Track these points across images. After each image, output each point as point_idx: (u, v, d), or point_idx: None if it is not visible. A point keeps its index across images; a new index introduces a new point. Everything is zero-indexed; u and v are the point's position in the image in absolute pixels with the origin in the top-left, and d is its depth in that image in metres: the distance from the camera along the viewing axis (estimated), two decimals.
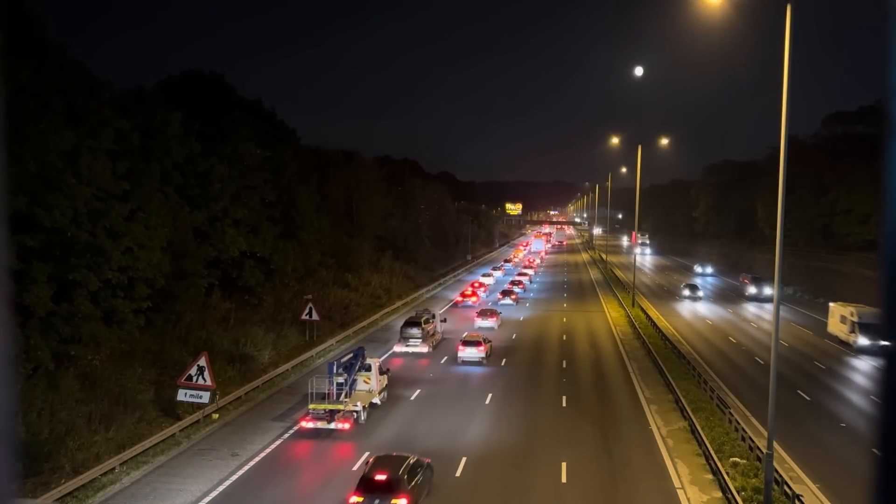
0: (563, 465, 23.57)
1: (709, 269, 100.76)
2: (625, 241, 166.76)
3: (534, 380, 36.35)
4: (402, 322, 45.54)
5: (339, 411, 27.00)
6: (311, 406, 27.37)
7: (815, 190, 72.92)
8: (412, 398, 32.40)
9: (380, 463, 20.31)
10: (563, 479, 22.46)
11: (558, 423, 28.73)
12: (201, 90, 49.63)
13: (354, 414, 27.74)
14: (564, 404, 31.53)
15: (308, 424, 26.90)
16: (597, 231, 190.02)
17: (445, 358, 40.92)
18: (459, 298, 65.60)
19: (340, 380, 27.97)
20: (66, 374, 25.81)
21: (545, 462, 23.98)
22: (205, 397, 27.42)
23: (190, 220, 36.45)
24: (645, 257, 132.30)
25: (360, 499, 19.16)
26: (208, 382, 27.35)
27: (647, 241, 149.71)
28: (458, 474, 22.84)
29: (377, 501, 19.00)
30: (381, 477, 19.45)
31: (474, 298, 64.66)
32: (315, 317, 42.02)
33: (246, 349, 35.97)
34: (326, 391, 27.55)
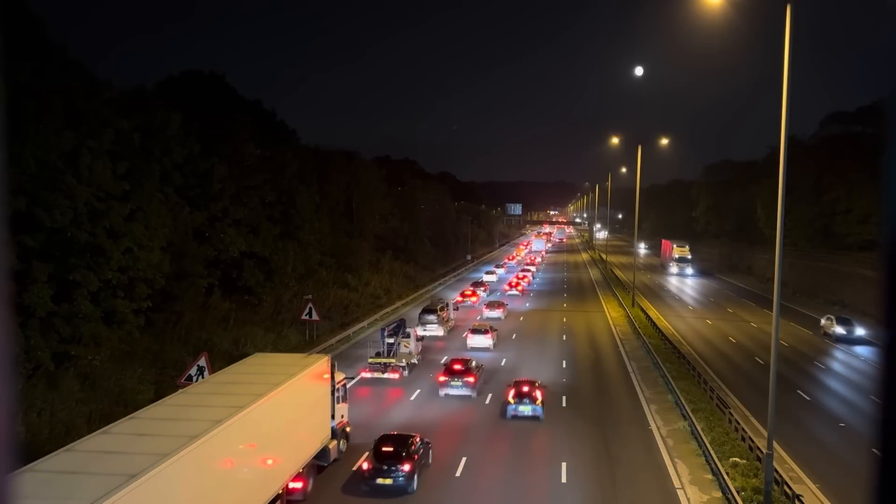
0: (563, 465, 23.56)
1: (859, 331, 46.02)
2: (642, 249, 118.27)
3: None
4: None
5: (390, 364, 35.01)
6: (369, 360, 35.56)
7: (815, 190, 72.88)
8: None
9: (454, 360, 32.97)
10: (563, 480, 22.46)
11: (558, 422, 28.73)
12: (201, 90, 49.65)
13: (401, 368, 35.11)
14: (564, 404, 31.54)
15: (367, 374, 34.63)
16: (601, 235, 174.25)
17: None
18: (460, 298, 65.47)
19: (391, 340, 36.31)
20: (66, 374, 25.80)
21: (545, 462, 23.99)
22: None
23: (190, 220, 36.47)
24: (685, 280, 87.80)
25: (446, 378, 31.25)
26: None
27: (689, 256, 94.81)
28: (457, 474, 22.87)
29: (456, 377, 31.09)
30: (457, 366, 31.75)
31: (474, 298, 64.73)
32: (315, 317, 42.02)
33: (246, 349, 35.95)
34: (381, 349, 36.07)
